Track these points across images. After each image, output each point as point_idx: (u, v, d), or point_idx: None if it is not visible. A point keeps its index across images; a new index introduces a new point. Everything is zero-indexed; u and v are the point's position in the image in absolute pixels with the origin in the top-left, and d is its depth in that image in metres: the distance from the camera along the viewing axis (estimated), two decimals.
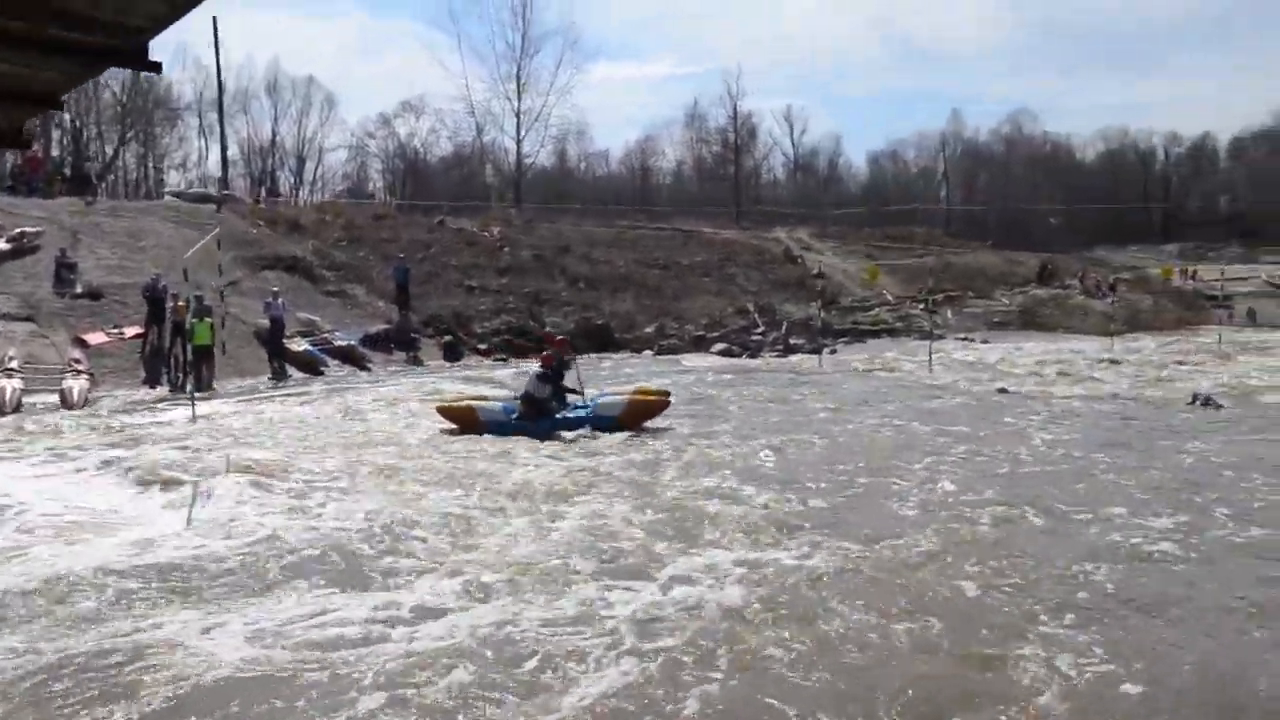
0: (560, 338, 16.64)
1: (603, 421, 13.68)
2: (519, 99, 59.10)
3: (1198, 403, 15.99)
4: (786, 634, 5.91)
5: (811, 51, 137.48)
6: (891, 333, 32.19)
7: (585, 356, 25.14)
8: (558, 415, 13.88)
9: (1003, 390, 18.32)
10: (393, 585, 6.96)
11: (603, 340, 26.97)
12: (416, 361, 24.16)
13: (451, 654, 5.65)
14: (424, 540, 8.03)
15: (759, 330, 29.45)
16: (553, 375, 14.21)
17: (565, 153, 75.96)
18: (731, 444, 12.56)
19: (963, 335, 31.73)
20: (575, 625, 6.11)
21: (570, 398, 14.32)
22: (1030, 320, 36.73)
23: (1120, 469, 10.77)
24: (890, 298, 39.01)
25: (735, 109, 74.95)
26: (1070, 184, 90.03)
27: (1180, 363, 23.20)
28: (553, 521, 8.62)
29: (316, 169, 66.08)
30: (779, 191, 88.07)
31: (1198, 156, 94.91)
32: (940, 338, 28.39)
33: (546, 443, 12.79)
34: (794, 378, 20.84)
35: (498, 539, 8.09)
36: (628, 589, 6.79)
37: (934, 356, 22.74)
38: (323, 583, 6.97)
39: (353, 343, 23.57)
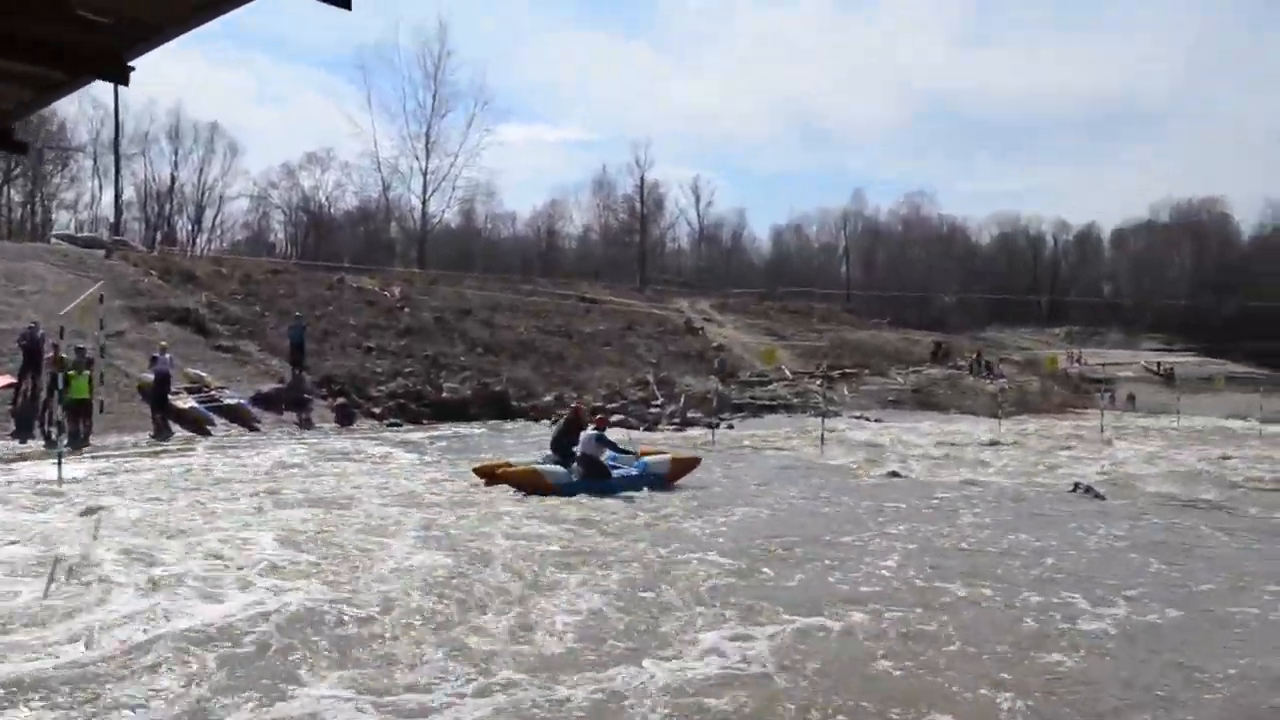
0: (599, 416, 17.48)
1: (653, 480, 15.55)
2: (427, 158, 59.27)
3: (1079, 491, 16.52)
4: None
5: (720, 126, 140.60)
6: (788, 408, 32.59)
7: (484, 423, 25.04)
8: (616, 475, 15.25)
9: (894, 474, 18.66)
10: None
11: (500, 408, 26.81)
12: (307, 424, 23.69)
13: None
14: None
15: (658, 402, 29.61)
16: (605, 439, 15.51)
17: (472, 213, 76.11)
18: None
19: (858, 413, 32.31)
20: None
21: (619, 457, 15.62)
22: (924, 400, 37.59)
23: (1016, 555, 11.31)
24: (788, 373, 39.57)
25: (642, 178, 76.16)
26: (965, 265, 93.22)
27: (1064, 449, 23.95)
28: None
29: (216, 217, 65.07)
30: (683, 261, 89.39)
31: (1084, 244, 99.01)
32: (836, 415, 28.88)
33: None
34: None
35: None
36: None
37: (828, 435, 23.06)
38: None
39: (242, 402, 23.03)
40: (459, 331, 33.56)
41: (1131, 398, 44.02)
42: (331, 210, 68.73)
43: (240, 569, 9.33)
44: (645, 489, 15.06)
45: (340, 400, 25.15)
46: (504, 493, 14.55)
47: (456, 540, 11.03)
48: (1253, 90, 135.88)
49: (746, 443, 23.63)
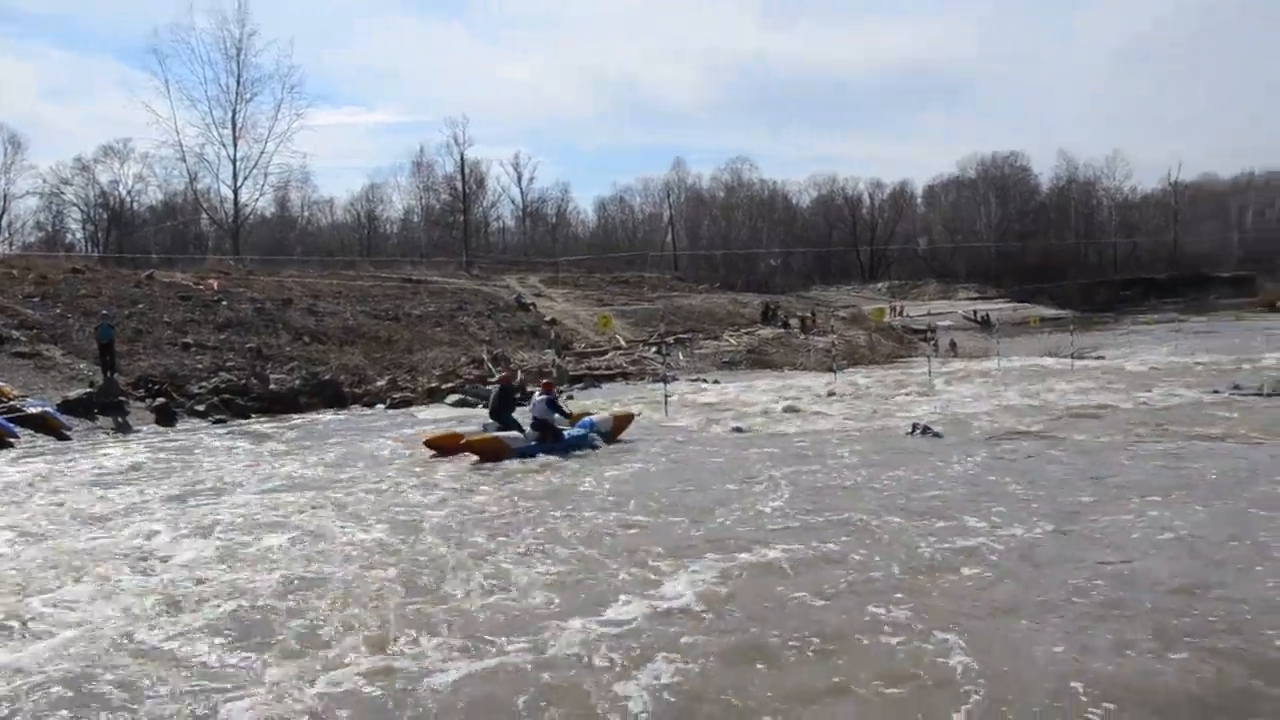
0: (546, 382, 18.66)
1: (599, 437, 16.91)
2: (235, 145, 56.65)
3: (917, 431, 17.21)
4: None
5: (539, 104, 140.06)
6: (626, 376, 32.71)
7: (316, 413, 24.21)
8: (567, 435, 16.49)
9: (738, 429, 18.97)
10: None
11: (332, 396, 25.96)
12: (125, 428, 22.41)
13: None
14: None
15: (493, 379, 29.21)
16: (556, 404, 16.75)
17: (287, 201, 73.54)
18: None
19: (695, 376, 32.68)
20: None
21: (566, 419, 16.80)
22: (759, 359, 38.35)
23: (889, 487, 12.41)
24: (623, 342, 39.76)
25: (463, 157, 74.93)
26: (788, 227, 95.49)
27: (897, 395, 24.85)
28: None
29: (2, 218, 60.89)
30: (508, 239, 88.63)
31: (898, 201, 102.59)
32: (674, 379, 29.10)
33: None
34: None
35: None
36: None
37: (670, 398, 23.23)
38: None
39: (48, 410, 21.58)
40: (282, 321, 32.39)
41: (953, 344, 45.92)
42: (134, 205, 65.33)
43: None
44: (590, 447, 16.45)
45: (159, 400, 23.87)
46: (434, 466, 15.22)
47: (387, 515, 11.51)
48: (1048, 51, 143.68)
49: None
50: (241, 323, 31.10)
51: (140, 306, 30.28)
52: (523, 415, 16.64)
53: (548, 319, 42.90)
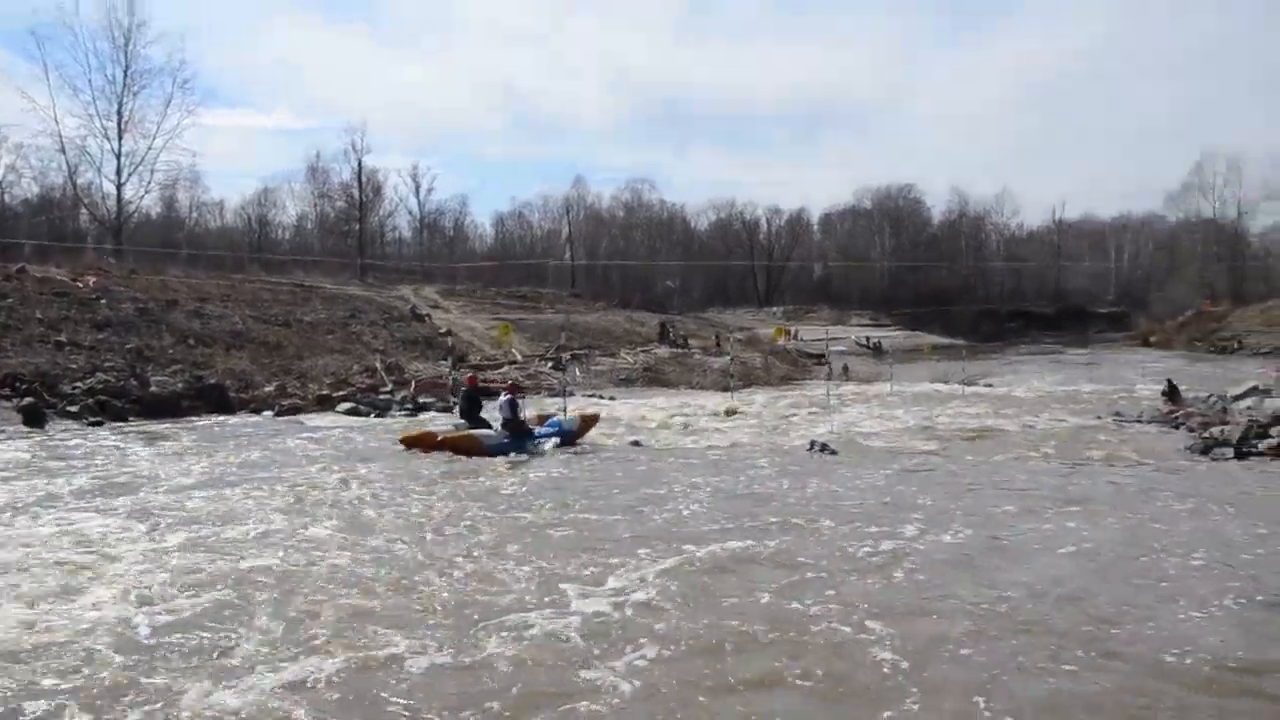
0: (511, 384, 20.24)
1: (567, 435, 18.00)
2: (120, 139, 54.58)
3: (815, 449, 17.39)
4: None
5: (439, 115, 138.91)
6: (522, 391, 32.33)
7: (198, 417, 23.31)
8: (538, 433, 17.57)
9: (635, 443, 18.91)
10: None
11: (218, 401, 25.03)
12: None
13: None
14: None
15: (387, 389, 28.64)
16: (516, 405, 17.56)
17: (174, 201, 71.31)
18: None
19: (591, 392, 32.48)
20: None
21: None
22: (655, 377, 38.32)
23: (807, 497, 12.80)
24: (519, 356, 39.39)
25: (360, 164, 73.59)
26: (686, 249, 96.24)
27: (792, 415, 25.03)
28: None
29: None
30: (404, 249, 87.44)
31: (795, 228, 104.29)
32: (570, 395, 28.84)
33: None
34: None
35: None
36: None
37: (567, 413, 23.01)
38: None
39: None
40: (165, 323, 31.20)
41: (846, 369, 46.58)
42: (5, 197, 62.53)
43: None
44: (561, 442, 17.58)
45: (27, 400, 22.70)
46: (353, 465, 15.51)
47: (326, 510, 11.77)
48: (943, 89, 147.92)
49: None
50: (121, 323, 29.86)
51: (10, 301, 28.84)
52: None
53: (442, 330, 42.30)
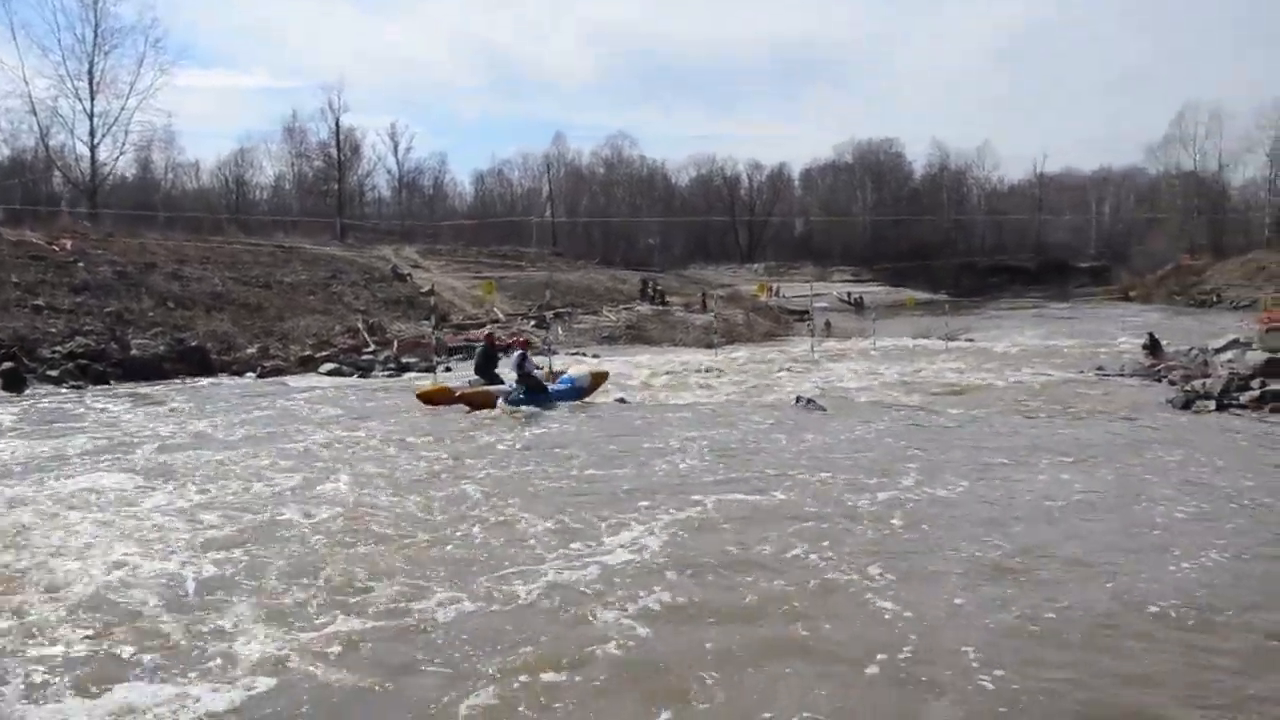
0: (523, 340, 20.18)
1: (579, 391, 18.33)
2: (92, 100, 53.81)
3: (802, 403, 17.43)
4: None
5: (417, 74, 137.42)
6: (505, 349, 32.27)
7: (179, 380, 23.21)
8: (552, 389, 17.84)
9: (621, 400, 18.94)
10: None
11: (199, 363, 24.90)
12: None
13: None
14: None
15: (369, 349, 28.57)
16: (526, 359, 17.58)
17: (149, 162, 70.40)
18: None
19: (575, 350, 32.48)
20: None
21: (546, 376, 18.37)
22: (638, 335, 38.35)
23: (803, 450, 12.95)
24: (501, 315, 39.31)
25: (338, 123, 72.84)
26: (667, 206, 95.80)
27: (778, 371, 25.13)
28: None
29: None
30: (384, 209, 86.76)
31: (776, 183, 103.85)
32: (554, 353, 28.78)
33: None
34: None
35: None
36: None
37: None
38: None
39: None
40: (144, 286, 30.95)
41: (828, 325, 46.71)
42: None
43: None
44: (570, 401, 17.82)
45: (6, 364, 22.53)
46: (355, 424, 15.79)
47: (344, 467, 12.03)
48: (923, 42, 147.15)
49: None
50: (100, 286, 29.61)
51: None
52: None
53: (424, 290, 42.13)
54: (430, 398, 17.65)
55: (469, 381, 18.54)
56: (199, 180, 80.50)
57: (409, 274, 45.83)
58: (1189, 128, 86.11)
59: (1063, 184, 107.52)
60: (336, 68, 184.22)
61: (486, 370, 18.68)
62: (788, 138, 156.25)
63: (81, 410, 17.53)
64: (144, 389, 21.10)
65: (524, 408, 16.87)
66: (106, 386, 21.76)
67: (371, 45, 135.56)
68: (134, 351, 24.27)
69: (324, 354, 26.78)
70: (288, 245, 46.48)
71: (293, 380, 23.49)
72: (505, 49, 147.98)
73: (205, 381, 23.06)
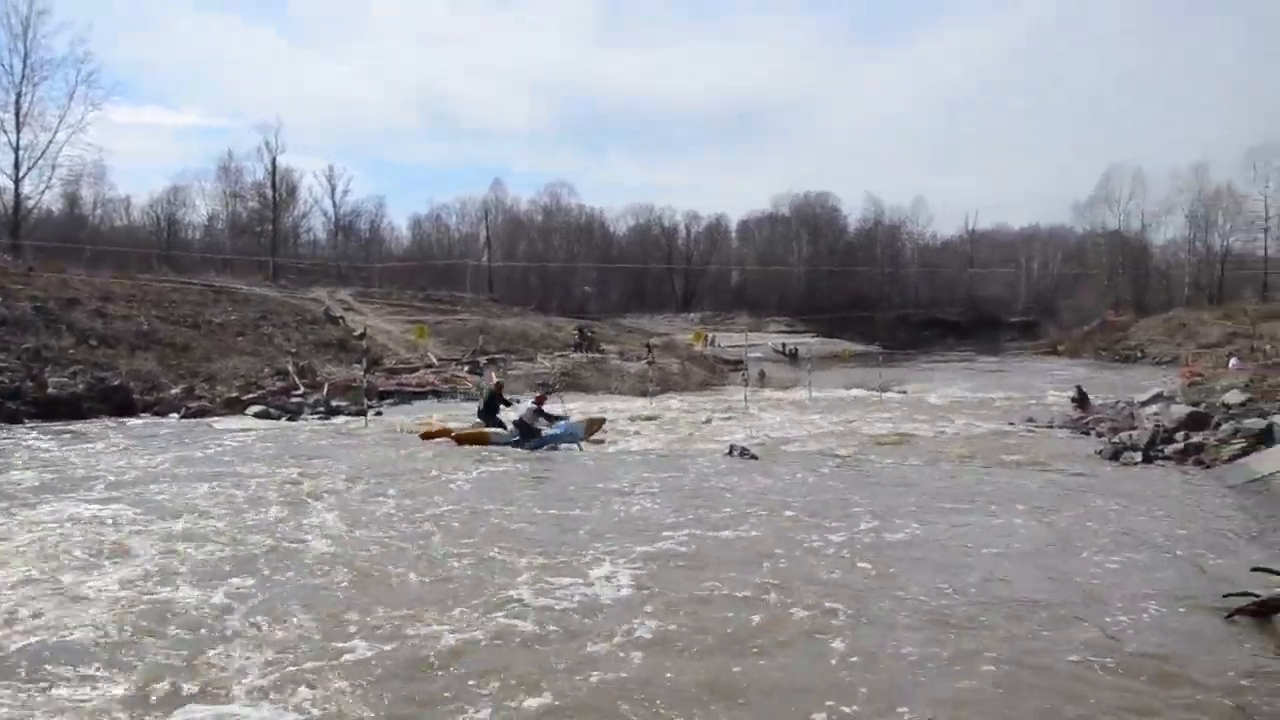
0: (540, 395, 22.07)
1: (575, 437, 19.43)
2: (19, 132, 52.79)
3: (734, 453, 17.45)
4: None
5: (354, 116, 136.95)
6: (438, 394, 31.97)
7: (99, 420, 22.59)
8: (545, 434, 19.11)
9: (554, 447, 18.82)
10: None
11: (121, 403, 24.27)
12: None
13: None
14: None
15: (299, 392, 28.09)
16: (543, 411, 19.61)
17: (78, 198, 69.08)
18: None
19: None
20: None
21: (549, 422, 19.50)
22: (572, 382, 38.11)
23: (753, 495, 13.23)
24: (434, 360, 38.95)
25: (274, 163, 72.17)
26: (604, 254, 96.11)
27: (712, 420, 25.12)
28: None
29: None
30: (319, 251, 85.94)
31: (713, 234, 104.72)
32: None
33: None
34: (340, 440, 20.03)
35: None
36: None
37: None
38: None
39: None
40: (66, 322, 30.20)
41: (762, 374, 46.88)
42: None
43: None
44: (564, 445, 19.09)
45: None
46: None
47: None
48: (858, 99, 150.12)
49: (400, 429, 22.85)
50: (17, 321, 28.82)
51: None
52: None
53: (357, 333, 41.65)
54: (431, 436, 19.63)
55: (473, 423, 20.56)
56: (129, 217, 79.13)
57: (342, 317, 45.32)
58: (1114, 189, 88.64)
59: (994, 240, 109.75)
60: (273, 107, 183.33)
61: (488, 414, 20.48)
62: (725, 190, 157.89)
63: (12, 444, 17.17)
64: (77, 426, 20.62)
65: (519, 449, 18.31)
66: (18, 426, 21.09)
67: (309, 86, 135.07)
68: (51, 390, 23.61)
69: (251, 396, 26.28)
70: (218, 285, 45.75)
71: (217, 422, 22.97)
72: (444, 93, 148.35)
73: (134, 422, 22.50)
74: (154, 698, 6.03)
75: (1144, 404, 25.26)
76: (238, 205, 78.29)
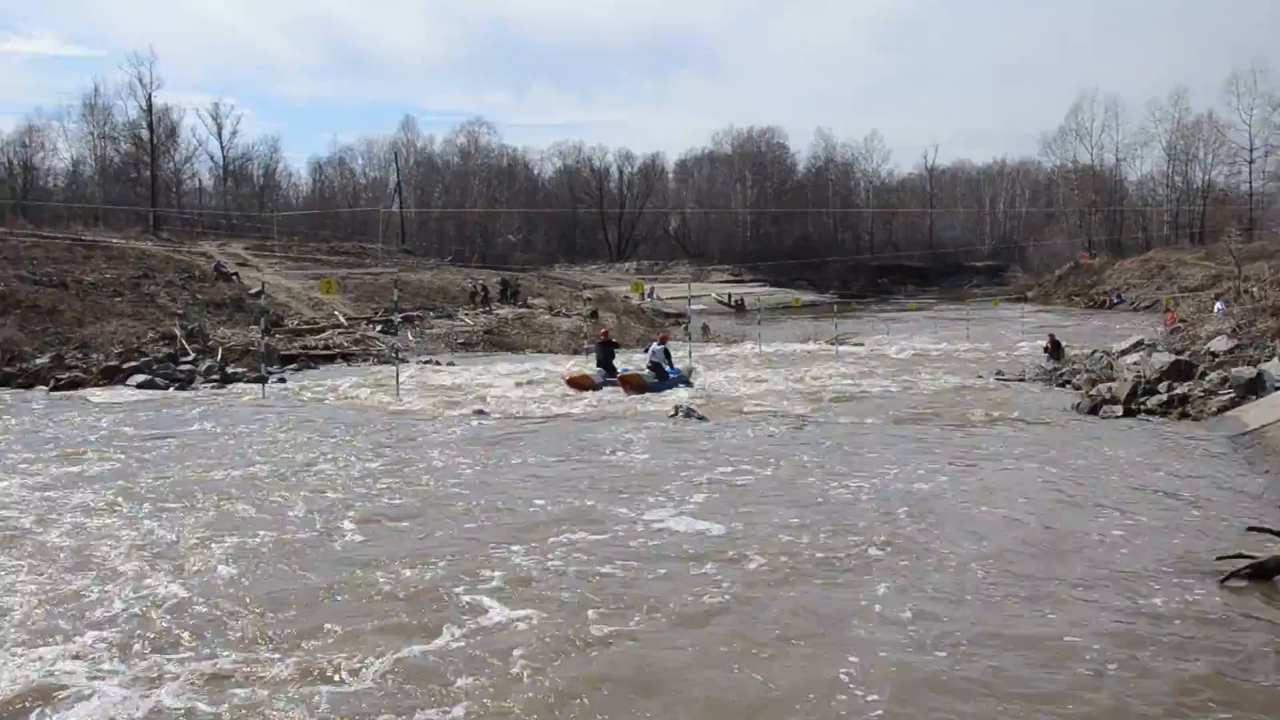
0: (663, 334, 28.48)
1: (684, 378, 23.69)
2: None
3: (679, 414, 17.19)
4: None
5: (242, 48, 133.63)
6: (347, 357, 31.27)
7: None
8: (669, 372, 23.41)
9: (480, 413, 18.42)
10: None
11: None
12: None
13: None
14: None
15: (188, 358, 27.18)
16: (668, 351, 24.40)
17: None
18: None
19: (427, 358, 31.62)
20: None
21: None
22: (498, 340, 37.66)
23: (709, 463, 12.99)
24: (343, 319, 38.12)
25: (149, 101, 69.81)
26: (529, 199, 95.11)
27: None
28: None
29: None
30: (206, 200, 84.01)
31: (649, 176, 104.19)
32: (403, 361, 27.96)
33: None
34: (237, 410, 19.28)
35: None
36: None
37: (401, 382, 22.30)
38: None
39: None
40: None
41: (705, 328, 46.82)
42: None
43: None
44: (685, 384, 23.23)
45: None
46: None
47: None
48: (803, 24, 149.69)
49: (307, 395, 22.20)
50: None
51: None
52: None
53: (253, 291, 40.58)
54: (576, 382, 22.27)
55: (595, 372, 23.45)
56: None
57: (235, 273, 44.11)
58: (1085, 119, 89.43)
59: (955, 177, 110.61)
60: (146, 36, 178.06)
61: (607, 362, 23.96)
62: (660, 127, 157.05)
63: None
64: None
65: (663, 392, 21.82)
66: None
67: (189, 12, 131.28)
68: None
69: (132, 364, 25.32)
70: (88, 239, 44.23)
71: (94, 394, 22.08)
72: (343, 21, 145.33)
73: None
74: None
75: (1123, 353, 25.45)
76: (108, 148, 75.97)
